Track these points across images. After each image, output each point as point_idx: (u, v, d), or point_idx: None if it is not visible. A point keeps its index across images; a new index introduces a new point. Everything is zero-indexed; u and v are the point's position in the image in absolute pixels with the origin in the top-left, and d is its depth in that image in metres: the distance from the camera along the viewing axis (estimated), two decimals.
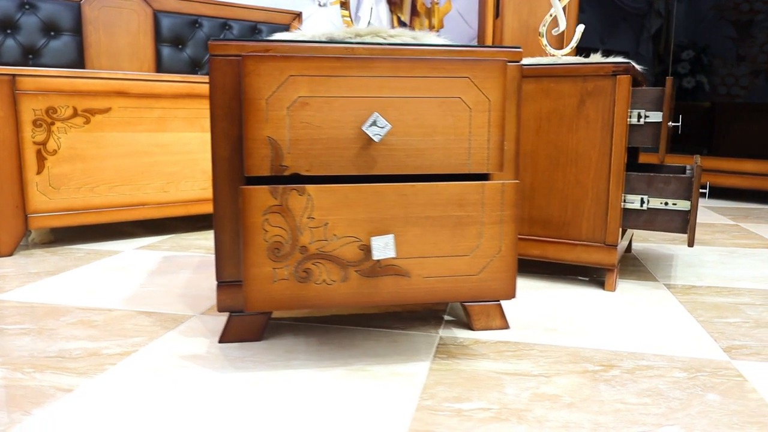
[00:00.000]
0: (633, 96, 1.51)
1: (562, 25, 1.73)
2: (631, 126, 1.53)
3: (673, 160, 3.39)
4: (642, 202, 1.54)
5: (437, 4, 4.75)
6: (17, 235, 1.83)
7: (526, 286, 1.57)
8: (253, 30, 4.40)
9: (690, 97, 3.36)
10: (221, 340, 1.17)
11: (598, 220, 1.52)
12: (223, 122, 1.12)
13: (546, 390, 0.98)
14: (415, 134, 1.06)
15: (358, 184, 0.99)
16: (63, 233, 2.16)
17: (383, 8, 5.04)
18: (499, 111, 1.08)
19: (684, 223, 1.51)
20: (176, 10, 4.02)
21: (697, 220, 2.55)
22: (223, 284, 1.16)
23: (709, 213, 2.76)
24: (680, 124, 1.69)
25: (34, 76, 1.81)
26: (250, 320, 1.17)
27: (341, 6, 1.27)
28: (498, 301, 1.24)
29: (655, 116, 1.50)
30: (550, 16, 1.76)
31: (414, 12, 5.11)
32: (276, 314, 1.33)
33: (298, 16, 4.60)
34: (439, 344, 1.17)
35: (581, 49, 3.81)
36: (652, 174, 1.54)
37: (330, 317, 1.31)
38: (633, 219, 1.57)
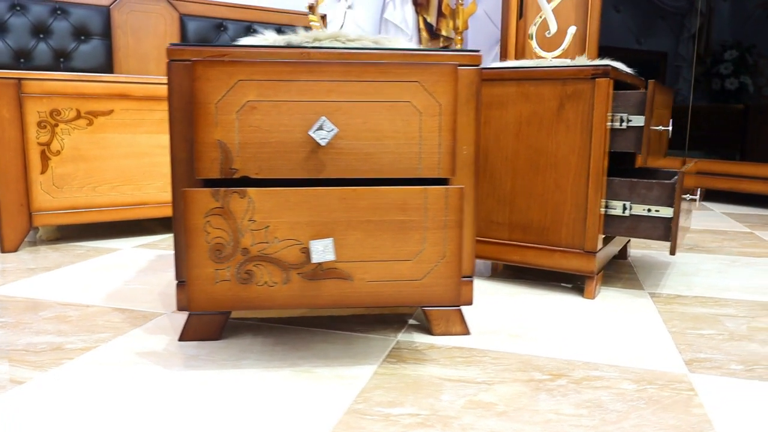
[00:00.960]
0: (615, 100, 1.48)
1: (553, 27, 1.70)
2: (614, 130, 1.49)
3: (703, 167, 3.29)
4: (624, 208, 1.51)
5: (462, 5, 4.72)
6: (22, 232, 1.91)
7: (503, 291, 1.56)
8: (277, 33, 4.45)
9: (733, 99, 3.25)
10: (181, 339, 1.20)
11: (578, 225, 1.50)
12: (182, 125, 1.15)
13: (483, 398, 0.98)
14: (365, 138, 1.07)
15: (299, 188, 1.01)
16: (69, 231, 2.25)
17: (409, 9, 5.04)
18: (450, 115, 1.08)
19: (667, 231, 1.47)
20: (202, 14, 4.11)
21: (711, 227, 2.47)
22: (182, 284, 1.19)
23: (726, 219, 2.67)
24: (671, 128, 1.64)
25: (38, 80, 1.89)
26: (209, 320, 1.20)
27: (309, 10, 1.28)
28: (445, 306, 1.23)
29: (638, 120, 1.46)
30: (540, 17, 1.73)
31: (440, 13, 5.09)
32: (241, 314, 1.35)
33: (321, 18, 4.63)
34: (393, 348, 1.17)
35: (615, 50, 3.72)
36: (634, 180, 1.50)
37: (294, 318, 1.33)
38: (616, 225, 1.53)
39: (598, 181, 1.45)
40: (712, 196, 3.37)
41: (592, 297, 1.50)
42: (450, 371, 1.07)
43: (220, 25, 4.13)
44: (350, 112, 1.06)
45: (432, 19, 5.14)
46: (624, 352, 1.17)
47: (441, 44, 5.15)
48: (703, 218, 2.69)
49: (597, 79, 1.43)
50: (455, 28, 4.77)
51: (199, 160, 1.05)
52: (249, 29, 4.28)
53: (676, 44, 3.62)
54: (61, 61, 3.26)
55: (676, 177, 1.60)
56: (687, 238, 2.24)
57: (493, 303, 1.46)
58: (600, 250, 1.50)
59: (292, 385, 1.01)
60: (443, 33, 5.05)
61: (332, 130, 1.05)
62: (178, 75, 1.13)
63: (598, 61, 1.45)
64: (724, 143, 3.28)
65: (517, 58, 4.21)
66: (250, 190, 1.00)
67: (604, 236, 1.63)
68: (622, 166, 1.96)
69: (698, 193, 1.61)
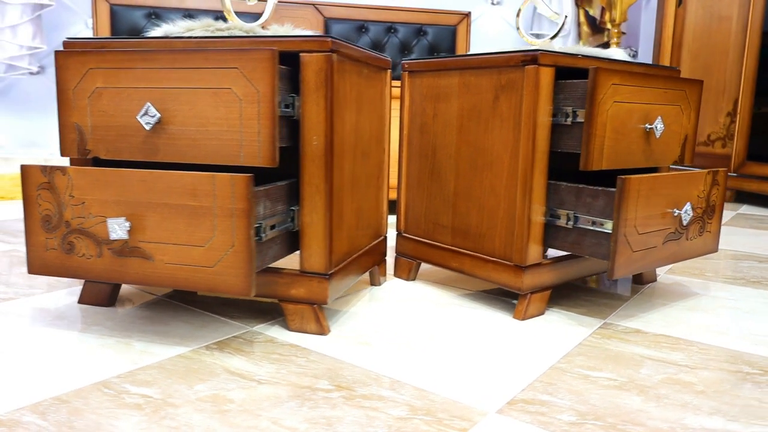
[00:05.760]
0: (562, 91, 1.26)
1: (545, 12, 1.50)
2: (560, 126, 1.28)
3: None
4: (568, 218, 1.28)
5: None
6: None
7: (436, 300, 1.43)
8: (418, 32, 4.51)
9: None
10: (79, 302, 1.34)
11: (509, 235, 1.31)
12: None
13: (229, 395, 0.94)
14: (192, 124, 1.09)
15: (107, 168, 1.07)
16: None
17: (567, 3, 4.70)
18: (269, 103, 1.04)
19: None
20: (345, 17, 4.32)
21: None
22: None
23: None
24: (660, 126, 1.33)
25: None
26: (98, 288, 1.32)
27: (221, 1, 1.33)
28: (239, 295, 1.18)
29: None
30: (525, 2, 1.54)
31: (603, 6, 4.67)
32: (160, 290, 1.45)
33: (466, 16, 4.58)
34: (233, 337, 1.17)
35: None
36: (581, 186, 1.27)
37: (199, 298, 1.39)
38: (561, 238, 1.31)
39: (527, 185, 1.26)
40: None
41: (521, 318, 1.30)
42: (243, 365, 1.04)
43: (361, 27, 4.30)
44: (179, 98, 1.09)
45: (595, 11, 4.74)
46: (456, 380, 1.01)
47: (605, 38, 4.73)
48: None
49: (526, 67, 1.24)
50: (611, 20, 4.34)
51: (62, 141, 1.17)
52: (389, 29, 4.39)
53: None
54: None
55: None
56: (759, 269, 1.79)
57: (405, 309, 1.35)
58: (534, 264, 1.30)
59: (95, 352, 1.08)
60: (608, 26, 4.63)
61: (155, 115, 1.09)
62: None
63: (536, 46, 1.26)
64: None
65: (673, 48, 3.69)
66: (69, 168, 1.09)
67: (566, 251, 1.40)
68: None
69: (688, 206, 1.30)
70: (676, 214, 1.30)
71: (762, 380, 1.03)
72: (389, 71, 1.49)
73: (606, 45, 4.71)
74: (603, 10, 4.64)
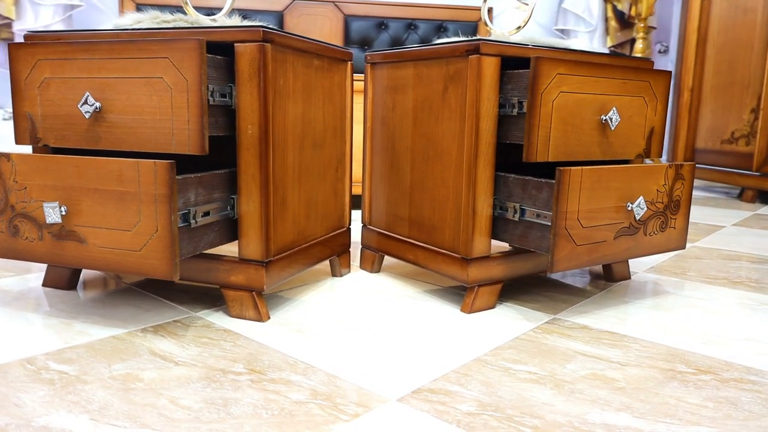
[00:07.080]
0: (509, 81, 1.24)
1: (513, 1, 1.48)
2: (507, 117, 1.26)
3: None
4: (515, 211, 1.26)
5: None
6: None
7: (398, 293, 1.42)
8: (439, 29, 4.49)
9: None
10: (43, 285, 1.40)
11: (457, 226, 1.30)
12: None
13: (143, 375, 0.96)
14: (129, 113, 1.12)
15: (46, 155, 1.11)
16: None
17: None
18: (197, 92, 1.07)
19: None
20: (365, 14, 4.32)
21: None
22: None
23: None
24: (615, 116, 1.29)
25: None
26: (59, 272, 1.37)
27: None
28: (163, 278, 1.20)
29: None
30: None
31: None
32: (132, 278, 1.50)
33: (489, 11, 4.52)
34: (173, 321, 1.20)
35: None
36: (527, 177, 1.24)
37: (163, 285, 1.42)
38: (510, 231, 1.29)
39: (471, 176, 1.24)
40: None
41: (467, 311, 1.29)
42: (170, 347, 1.07)
43: (381, 24, 4.30)
44: (117, 87, 1.13)
45: (623, 6, 4.62)
46: (372, 368, 1.01)
47: (633, 33, 4.60)
48: None
49: (470, 56, 1.22)
50: (637, 14, 4.22)
51: (16, 130, 1.22)
52: (410, 26, 4.38)
53: None
54: None
55: None
56: (747, 270, 1.71)
57: (356, 300, 1.36)
58: (482, 257, 1.28)
59: (36, 331, 1.12)
60: (636, 21, 4.50)
61: (94, 104, 1.13)
62: None
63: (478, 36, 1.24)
64: None
65: (698, 42, 3.56)
66: (13, 155, 1.13)
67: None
68: None
69: (640, 200, 1.26)
70: (629, 209, 1.26)
71: (691, 379, 0.99)
72: (350, 63, 1.50)
73: (634, 40, 4.58)
74: (631, 5, 4.52)
